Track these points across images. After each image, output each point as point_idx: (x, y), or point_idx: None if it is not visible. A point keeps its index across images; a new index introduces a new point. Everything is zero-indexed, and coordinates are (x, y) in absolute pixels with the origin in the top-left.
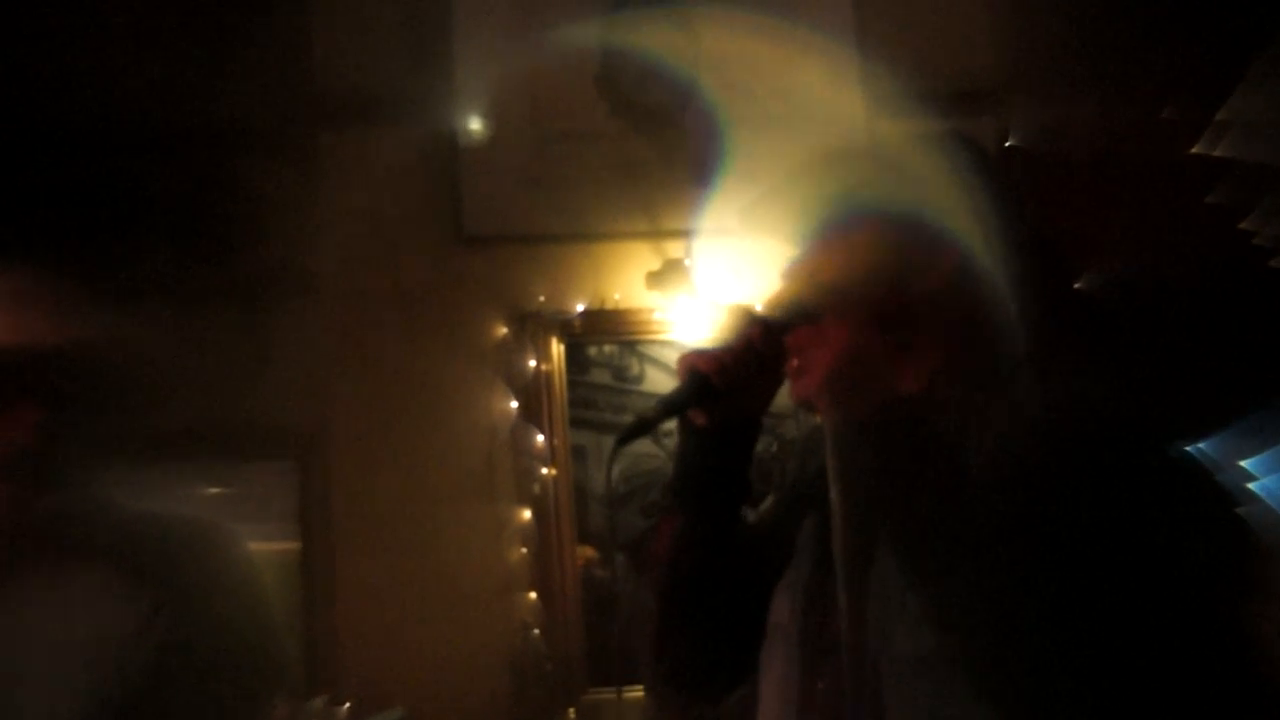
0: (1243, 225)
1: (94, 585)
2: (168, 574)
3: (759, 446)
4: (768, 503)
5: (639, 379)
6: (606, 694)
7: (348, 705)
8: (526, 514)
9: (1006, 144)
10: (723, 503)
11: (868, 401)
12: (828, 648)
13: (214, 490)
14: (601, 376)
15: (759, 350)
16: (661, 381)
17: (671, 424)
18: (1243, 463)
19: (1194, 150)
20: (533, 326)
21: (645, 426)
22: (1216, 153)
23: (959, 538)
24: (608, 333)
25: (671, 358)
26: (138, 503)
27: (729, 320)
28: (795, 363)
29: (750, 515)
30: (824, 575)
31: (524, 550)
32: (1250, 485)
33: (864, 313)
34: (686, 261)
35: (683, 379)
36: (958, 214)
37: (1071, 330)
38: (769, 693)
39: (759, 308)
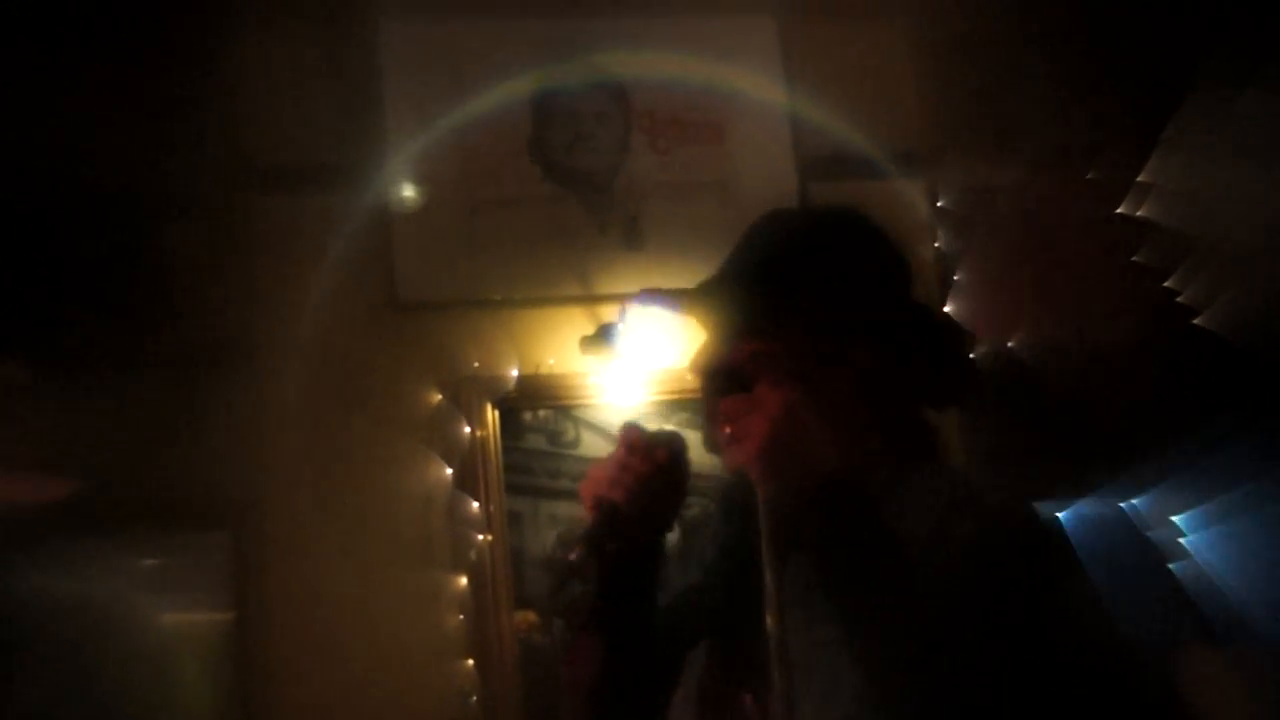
0: (1167, 284)
1: (9, 659)
2: (80, 649)
3: (694, 510)
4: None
5: (575, 443)
6: None
7: None
8: (463, 581)
9: (938, 204)
10: (643, 614)
11: (803, 470)
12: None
13: (147, 561)
14: (537, 441)
15: (664, 469)
16: (597, 445)
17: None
18: (1173, 518)
19: (1119, 210)
20: (467, 393)
21: (576, 570)
22: (1140, 213)
23: (894, 608)
24: (542, 398)
25: (606, 421)
26: (55, 582)
27: (627, 437)
28: (728, 429)
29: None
30: (722, 657)
31: (460, 617)
32: (1179, 540)
33: (796, 385)
34: (620, 326)
35: (594, 510)
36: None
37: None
38: None
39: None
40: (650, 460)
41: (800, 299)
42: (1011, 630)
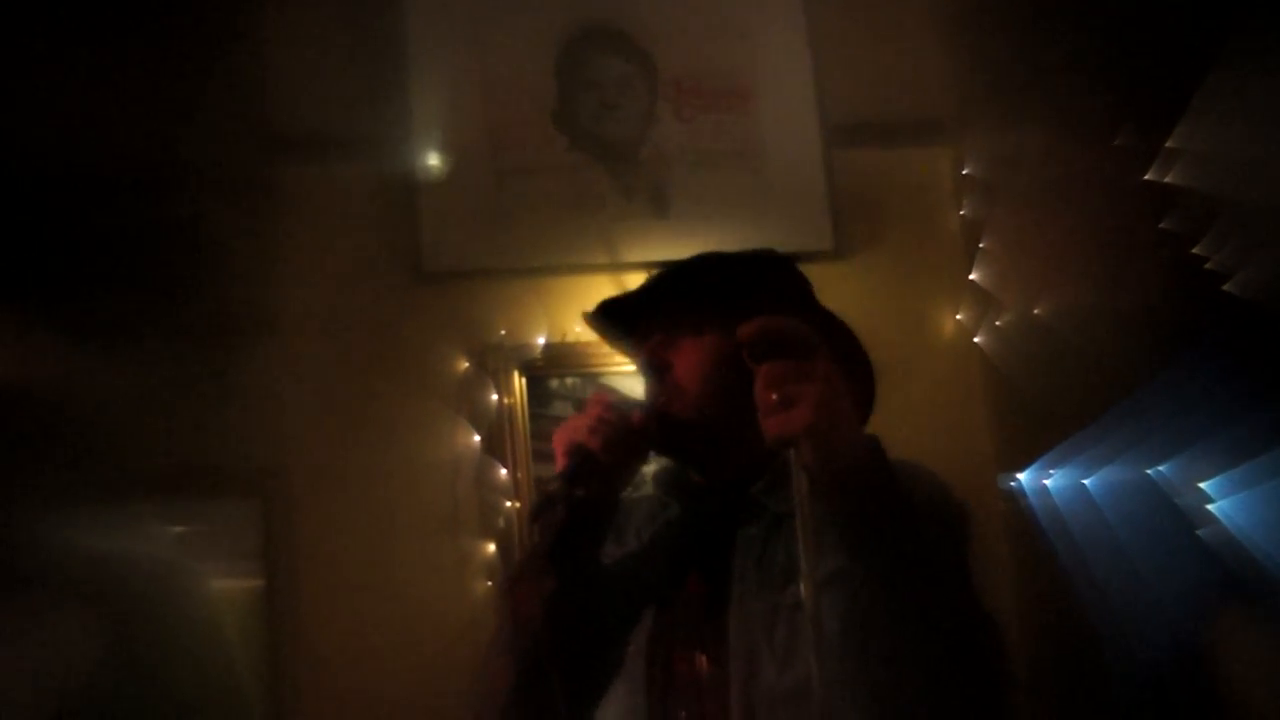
0: (1195, 251)
1: (54, 622)
2: (127, 612)
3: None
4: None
5: None
6: None
7: None
8: (491, 548)
9: (963, 171)
10: (593, 562)
11: (846, 441)
12: (677, 688)
13: (177, 529)
14: (564, 409)
15: (638, 429)
16: None
17: None
18: (1201, 485)
19: (1146, 177)
20: (494, 361)
21: (552, 503)
22: (1168, 180)
23: (925, 570)
24: (569, 365)
25: (632, 388)
26: (103, 540)
27: (598, 401)
28: (775, 396)
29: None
30: (667, 619)
31: (489, 584)
32: (1209, 508)
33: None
34: None
35: (570, 455)
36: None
37: None
38: None
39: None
40: (625, 418)
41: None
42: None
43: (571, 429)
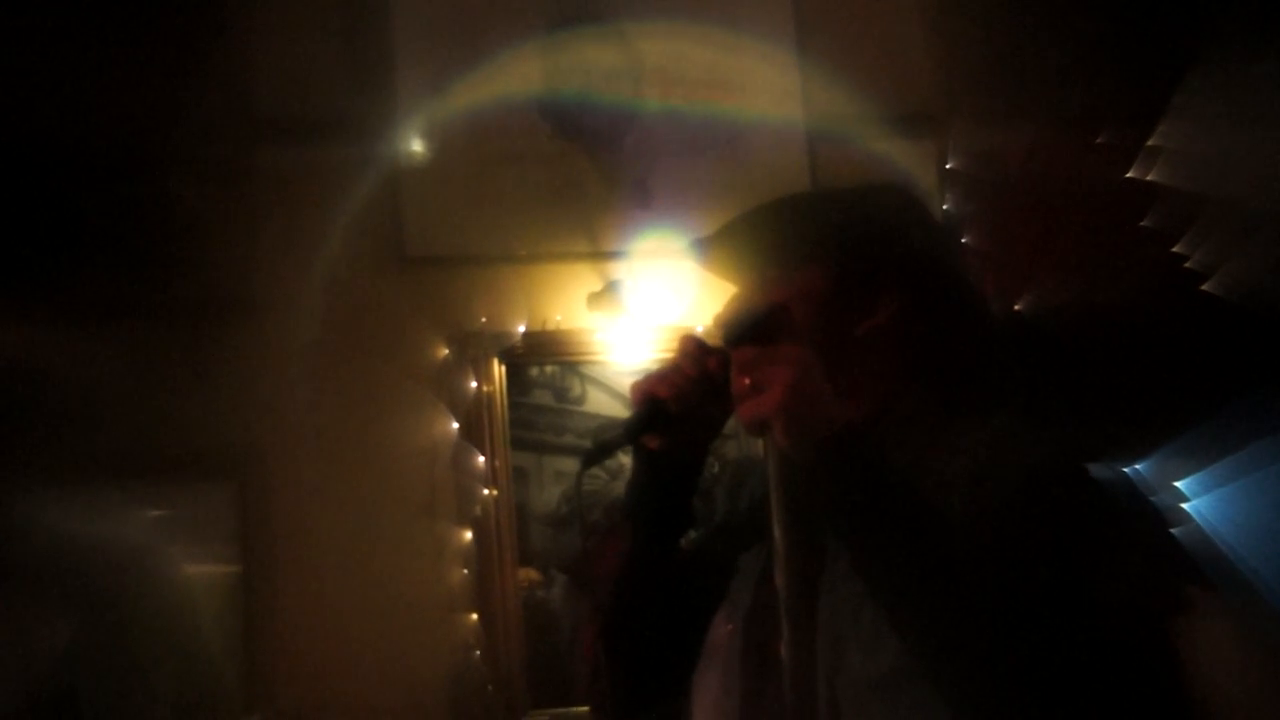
0: (1175, 249)
1: (26, 607)
2: (101, 598)
3: (733, 452)
4: (703, 530)
5: (580, 399)
6: (547, 715)
7: None
8: (467, 535)
9: (946, 166)
10: (671, 526)
11: (822, 423)
12: (770, 671)
13: (153, 513)
14: (543, 397)
15: (713, 376)
16: (603, 402)
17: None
18: (1176, 484)
19: (1129, 175)
20: (474, 347)
21: (607, 450)
22: (1150, 177)
23: (925, 560)
24: (549, 354)
25: (612, 378)
26: (74, 524)
27: (683, 345)
28: (747, 381)
29: (685, 541)
30: (766, 600)
31: (465, 571)
32: (1183, 506)
33: (812, 340)
34: (627, 283)
35: (639, 404)
36: (898, 260)
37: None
38: (702, 716)
39: (706, 328)
40: (700, 366)
41: (827, 242)
42: (1049, 589)
43: (646, 379)
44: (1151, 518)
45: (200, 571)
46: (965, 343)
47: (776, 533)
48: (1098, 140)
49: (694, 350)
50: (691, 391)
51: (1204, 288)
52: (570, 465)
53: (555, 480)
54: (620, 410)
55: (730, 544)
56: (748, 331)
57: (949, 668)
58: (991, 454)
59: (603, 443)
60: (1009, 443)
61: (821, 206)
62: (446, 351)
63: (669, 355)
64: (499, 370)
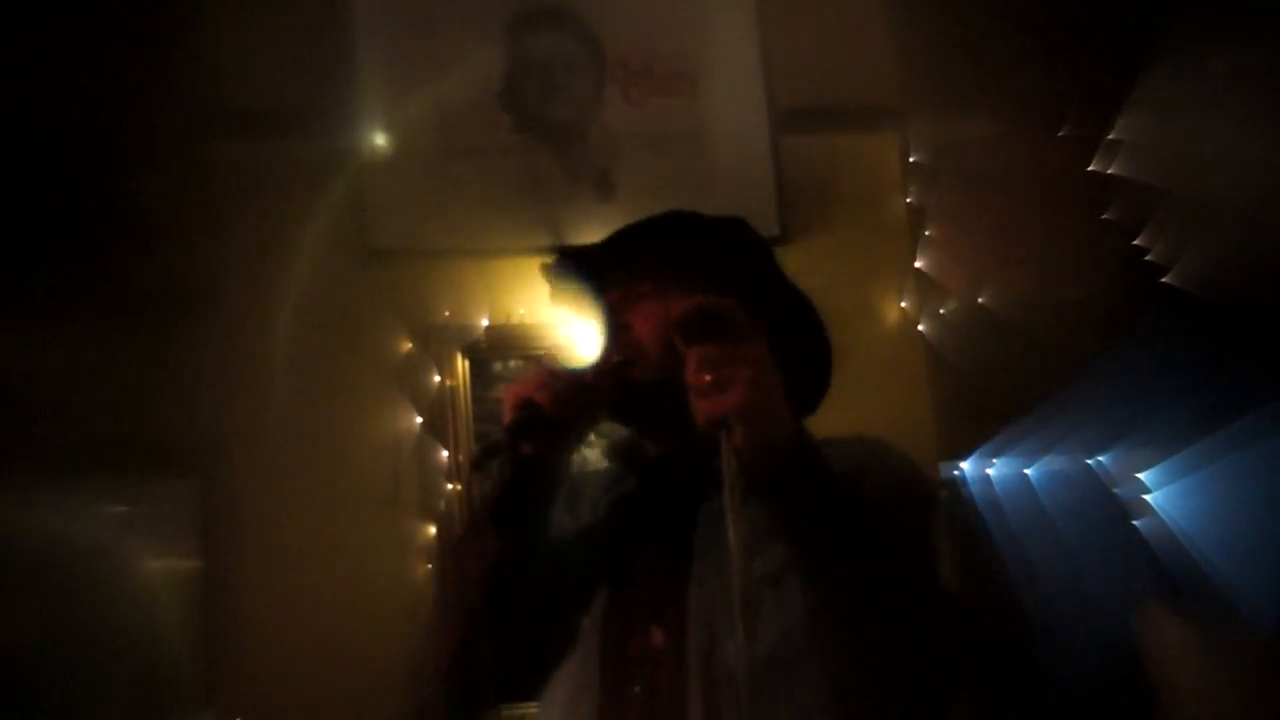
0: (1136, 242)
1: None
2: (62, 592)
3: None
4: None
5: None
6: (512, 711)
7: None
8: (431, 529)
9: (909, 158)
10: (536, 532)
11: (779, 423)
12: (632, 667)
13: (116, 508)
14: None
15: (589, 386)
16: None
17: None
18: (1139, 475)
19: (1090, 167)
20: (437, 342)
21: (492, 454)
22: (1111, 170)
23: (861, 551)
24: (512, 348)
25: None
26: (34, 518)
27: (557, 356)
28: (708, 378)
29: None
30: (629, 591)
31: (428, 566)
32: (1145, 498)
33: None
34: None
35: (518, 409)
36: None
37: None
38: (558, 698)
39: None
40: (577, 375)
41: (681, 269)
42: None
43: (522, 383)
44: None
45: (162, 566)
46: (813, 369)
47: (730, 532)
48: (1059, 134)
49: (569, 361)
50: (570, 400)
51: (1164, 280)
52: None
53: None
54: None
55: (579, 550)
56: (708, 328)
57: (858, 643)
58: (859, 465)
59: (487, 447)
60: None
61: (673, 235)
62: (410, 346)
63: (545, 362)
64: (462, 365)
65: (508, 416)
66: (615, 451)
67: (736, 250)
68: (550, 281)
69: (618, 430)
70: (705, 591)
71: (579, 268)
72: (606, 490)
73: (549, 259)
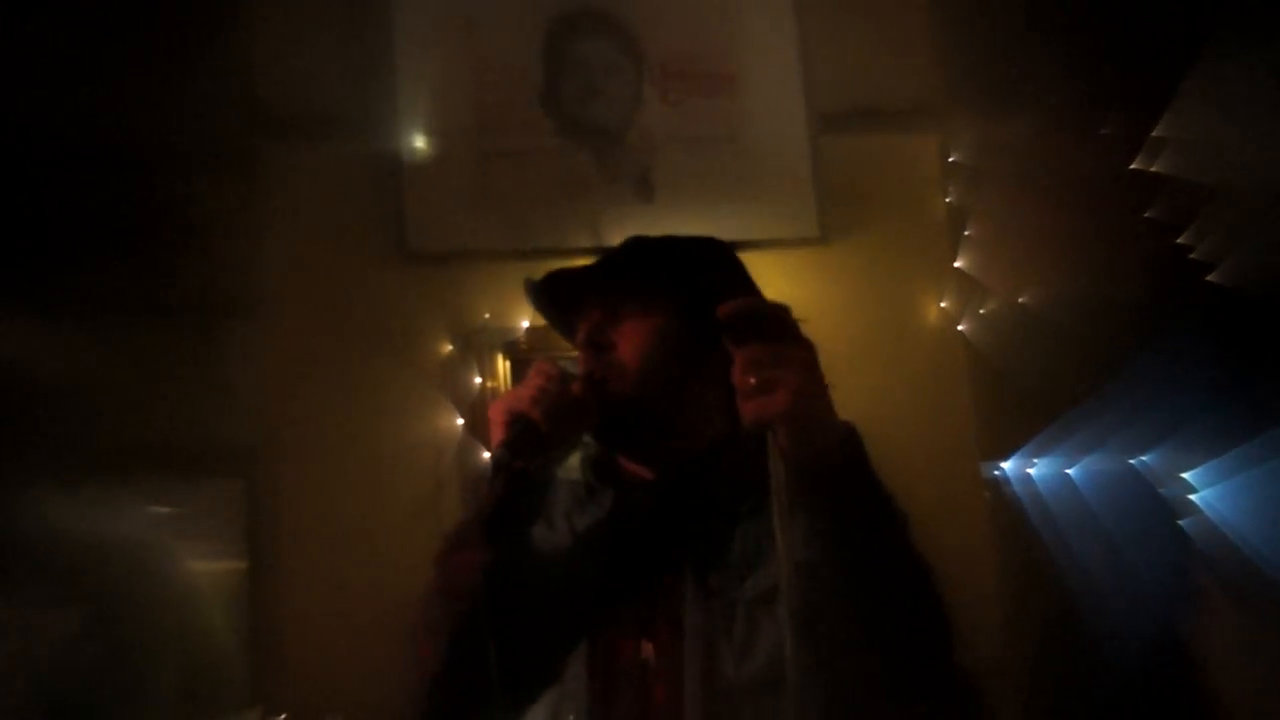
0: (1180, 240)
1: (30, 600)
2: (108, 595)
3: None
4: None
5: None
6: None
7: (283, 717)
8: None
9: (949, 158)
10: (527, 537)
11: (826, 427)
12: (621, 678)
13: (160, 510)
14: None
15: (576, 400)
16: None
17: None
18: (1184, 475)
19: (1133, 166)
20: (478, 344)
21: (498, 470)
22: (1154, 168)
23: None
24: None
25: None
26: (80, 521)
27: (545, 369)
28: (753, 380)
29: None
30: (616, 604)
31: None
32: (1190, 498)
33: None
34: None
35: (511, 424)
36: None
37: None
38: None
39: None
40: (566, 390)
41: (663, 287)
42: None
43: (513, 398)
44: None
45: (207, 568)
46: None
47: (778, 534)
48: (1101, 131)
49: (556, 374)
50: (561, 415)
51: (1209, 279)
52: (575, 461)
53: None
54: None
55: (566, 563)
56: (755, 328)
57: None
58: None
59: (495, 465)
60: None
61: (653, 257)
62: (451, 347)
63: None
64: (503, 366)
65: (500, 432)
66: (591, 465)
67: (713, 269)
68: (531, 302)
69: (592, 443)
70: (703, 609)
71: (560, 292)
72: (579, 503)
73: (532, 279)
